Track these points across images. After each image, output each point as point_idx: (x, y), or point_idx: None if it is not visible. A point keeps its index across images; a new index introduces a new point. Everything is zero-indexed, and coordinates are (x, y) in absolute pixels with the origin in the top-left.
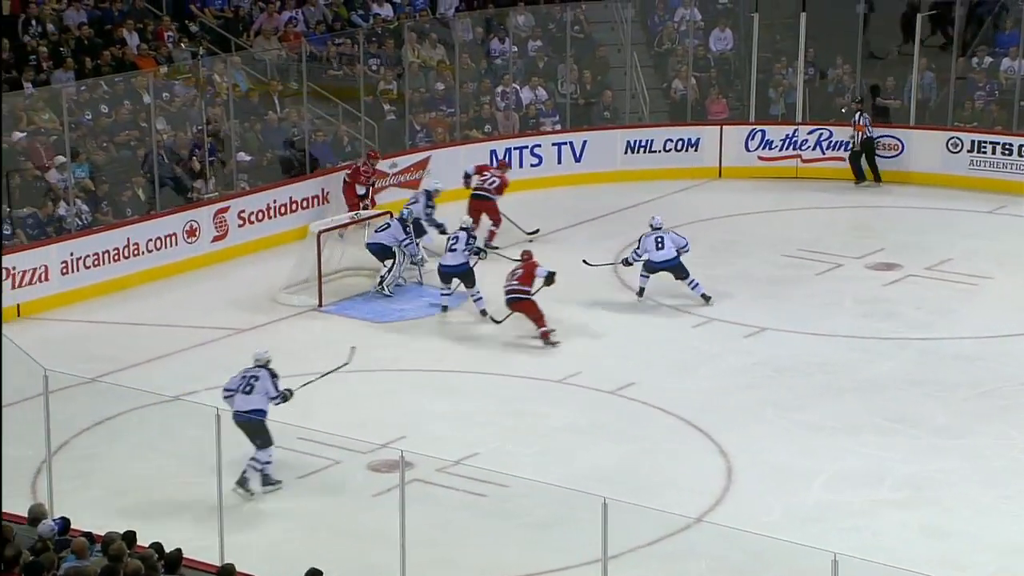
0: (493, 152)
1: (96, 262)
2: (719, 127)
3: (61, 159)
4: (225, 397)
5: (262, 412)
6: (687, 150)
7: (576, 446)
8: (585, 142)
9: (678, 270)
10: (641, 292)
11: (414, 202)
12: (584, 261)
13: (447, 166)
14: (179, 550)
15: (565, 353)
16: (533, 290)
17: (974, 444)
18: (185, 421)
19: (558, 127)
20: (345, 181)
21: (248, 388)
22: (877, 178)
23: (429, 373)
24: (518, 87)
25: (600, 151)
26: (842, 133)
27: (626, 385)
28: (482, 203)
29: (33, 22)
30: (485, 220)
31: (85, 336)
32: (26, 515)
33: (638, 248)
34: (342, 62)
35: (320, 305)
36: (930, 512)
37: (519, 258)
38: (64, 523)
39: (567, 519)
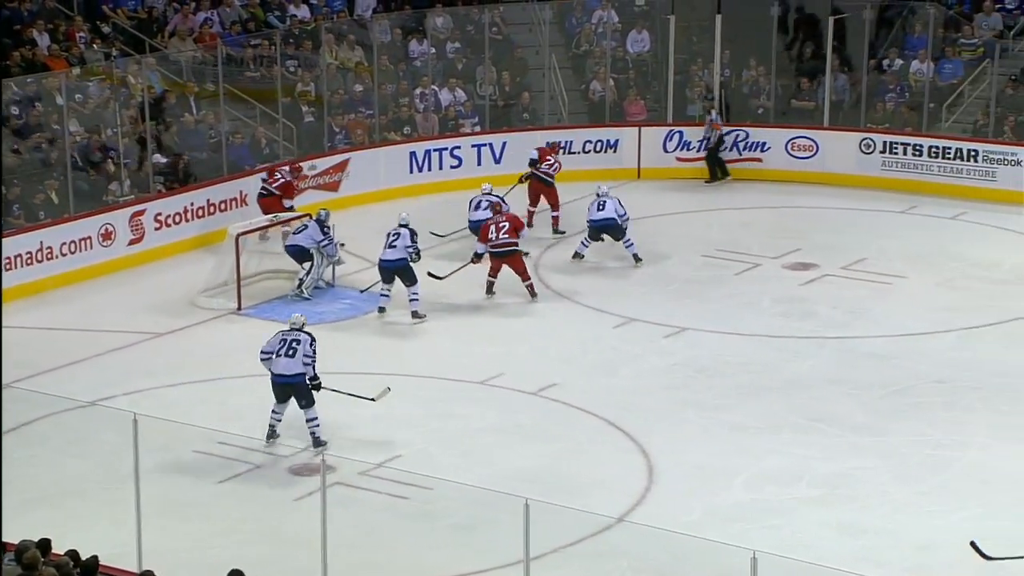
0: (412, 154)
1: (8, 266)
2: (637, 128)
3: None
4: (263, 360)
5: (302, 375)
6: (606, 151)
7: (499, 447)
8: (505, 143)
9: (615, 231)
10: (577, 256)
11: (303, 229)
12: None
13: (366, 168)
14: (95, 557)
15: (487, 354)
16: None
17: (891, 442)
18: (102, 426)
19: (477, 128)
20: (272, 193)
21: (291, 352)
22: (725, 172)
23: (350, 376)
24: (437, 89)
25: (520, 152)
26: (760, 135)
27: (548, 386)
28: (544, 187)
29: None
30: (543, 204)
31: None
32: None
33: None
34: (259, 64)
35: (239, 308)
36: (848, 509)
37: (496, 210)
38: None
39: (490, 520)
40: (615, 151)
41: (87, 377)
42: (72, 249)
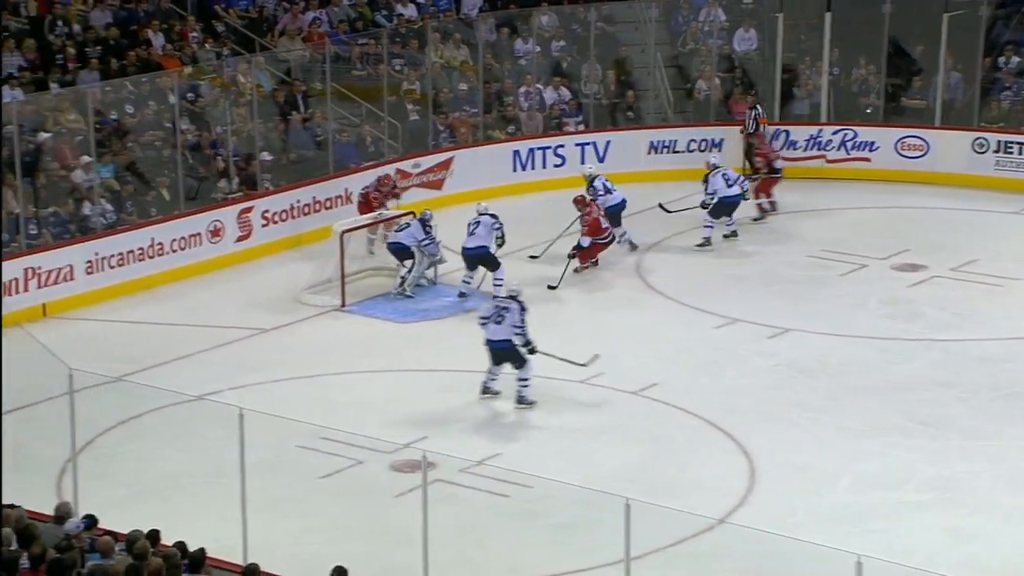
0: (516, 152)
1: (121, 262)
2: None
3: (86, 159)
4: (481, 324)
5: (509, 342)
6: (711, 150)
7: (599, 447)
8: (609, 142)
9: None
10: (707, 242)
11: (405, 227)
12: (660, 205)
13: (470, 166)
14: (202, 549)
15: (587, 353)
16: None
17: (1001, 446)
18: (208, 421)
19: (581, 127)
20: (360, 202)
21: (499, 319)
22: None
23: (452, 373)
24: (541, 87)
25: (624, 151)
26: (868, 134)
27: (649, 386)
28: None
29: (59, 22)
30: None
31: (109, 336)
32: (52, 513)
33: (707, 189)
34: (366, 62)
35: (343, 305)
36: (956, 514)
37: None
38: (90, 521)
39: (590, 520)
40: (720, 150)
41: (194, 372)
42: (182, 245)
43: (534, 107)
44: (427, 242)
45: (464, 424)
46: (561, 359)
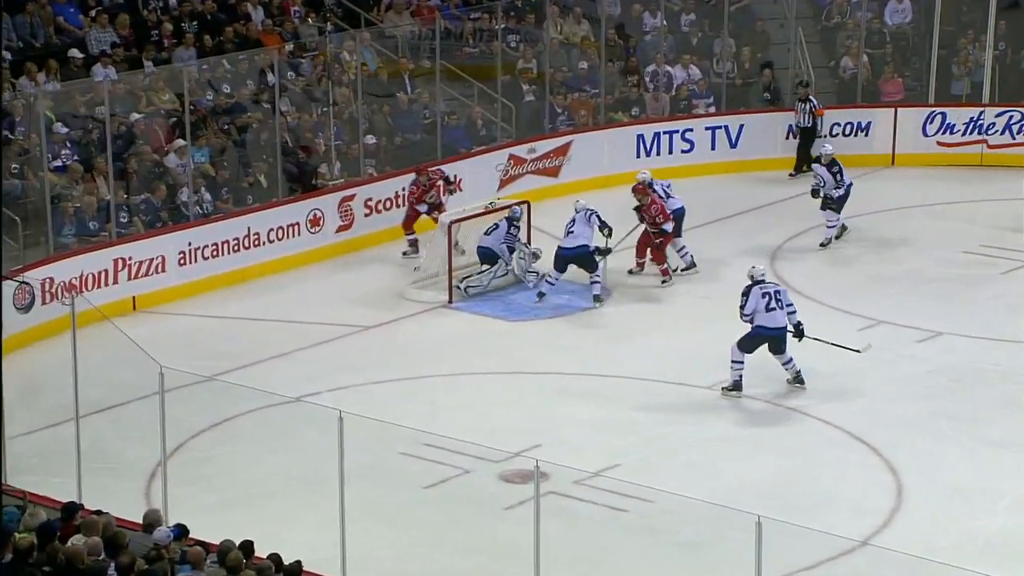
0: (640, 136)
1: (215, 252)
2: (893, 109)
3: (180, 142)
4: (745, 319)
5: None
6: (856, 135)
7: (728, 459)
8: (742, 126)
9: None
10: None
11: (494, 229)
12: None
13: (589, 152)
14: (299, 562)
15: (715, 357)
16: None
17: None
18: (306, 424)
19: (712, 109)
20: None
21: (779, 304)
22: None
23: (567, 376)
24: (669, 66)
25: (758, 136)
26: None
27: (784, 393)
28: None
29: None
30: None
31: (202, 331)
32: (140, 521)
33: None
34: (478, 39)
35: (450, 302)
36: None
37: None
38: (179, 531)
39: (717, 538)
40: (866, 135)
41: (291, 371)
42: (279, 236)
43: (660, 87)
44: (508, 242)
45: (580, 432)
46: (832, 344)
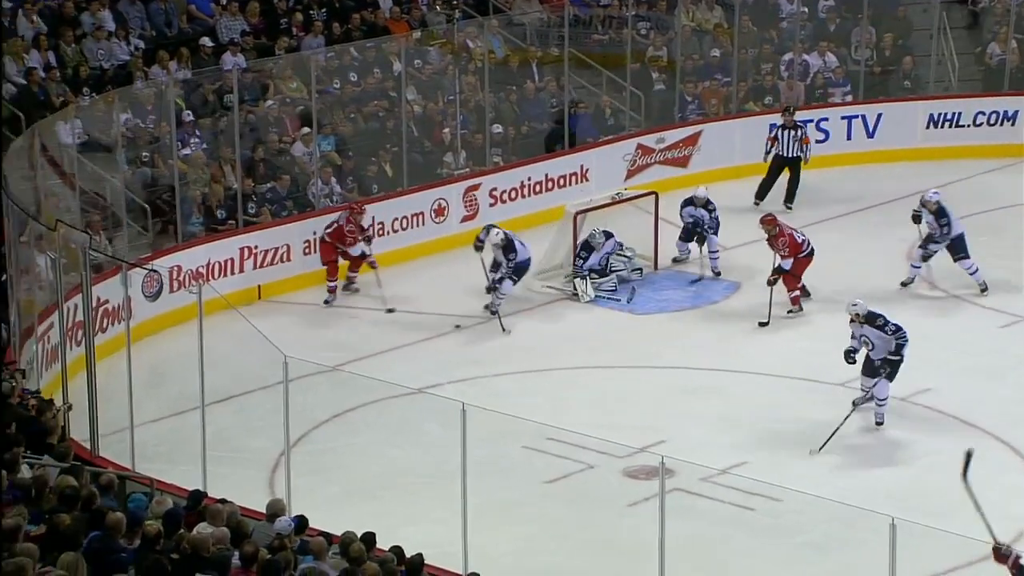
0: (772, 125)
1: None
2: None
3: (307, 130)
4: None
5: None
6: (1002, 124)
7: (860, 458)
8: (880, 115)
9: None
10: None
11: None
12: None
13: (719, 141)
14: (420, 555)
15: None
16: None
17: None
18: (429, 416)
19: (849, 98)
20: (323, 240)
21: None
22: (761, 196)
23: (693, 371)
24: (806, 53)
25: (898, 125)
26: None
27: (920, 391)
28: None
29: None
30: None
31: (326, 321)
32: (264, 510)
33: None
34: (608, 26)
35: (574, 293)
36: None
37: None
38: (301, 521)
39: (848, 540)
40: (1013, 124)
41: (413, 362)
42: (404, 225)
43: (795, 76)
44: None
45: (707, 428)
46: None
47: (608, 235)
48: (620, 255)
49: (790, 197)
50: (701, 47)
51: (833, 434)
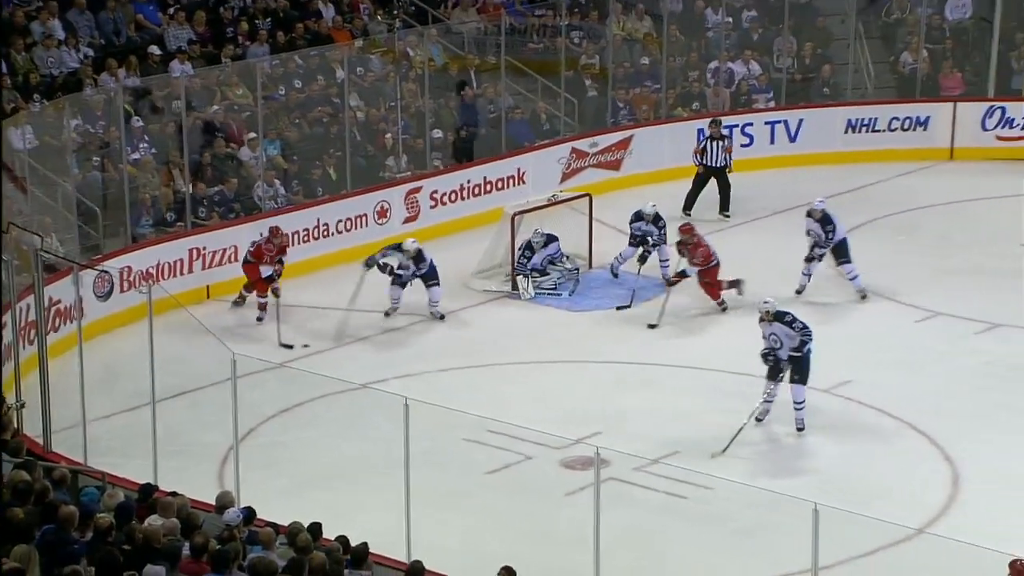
0: (700, 131)
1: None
2: (952, 104)
3: (252, 135)
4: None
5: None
6: (915, 129)
7: (785, 447)
8: (801, 120)
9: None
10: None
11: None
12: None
13: (650, 145)
14: (365, 544)
15: None
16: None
17: None
18: (373, 410)
19: (772, 104)
20: (247, 260)
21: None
22: (724, 207)
23: (627, 365)
24: (730, 62)
25: (818, 130)
26: None
27: (841, 383)
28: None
29: None
30: None
31: (274, 319)
32: (213, 503)
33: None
34: (543, 35)
35: (512, 291)
36: None
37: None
38: (249, 512)
39: (774, 526)
40: (925, 129)
41: (358, 359)
42: (348, 227)
43: (721, 83)
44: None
45: (639, 420)
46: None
47: (551, 238)
48: (559, 262)
49: (725, 206)
50: (631, 55)
51: (734, 438)
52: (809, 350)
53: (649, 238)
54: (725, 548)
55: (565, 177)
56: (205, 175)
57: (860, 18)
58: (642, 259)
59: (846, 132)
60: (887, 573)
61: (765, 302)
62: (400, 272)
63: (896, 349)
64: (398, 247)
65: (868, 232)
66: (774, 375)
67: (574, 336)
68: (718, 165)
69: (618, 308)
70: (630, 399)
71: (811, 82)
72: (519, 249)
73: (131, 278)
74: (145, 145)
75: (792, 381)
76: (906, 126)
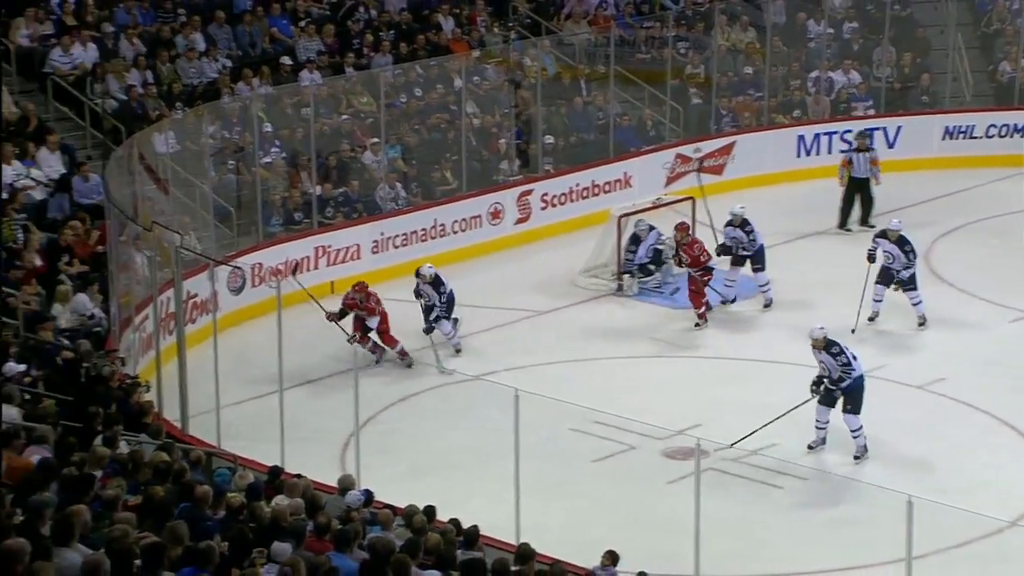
0: (801, 137)
1: (404, 242)
2: None
3: (375, 141)
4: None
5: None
6: (1012, 136)
7: (880, 442)
8: (900, 127)
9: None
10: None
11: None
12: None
13: (752, 151)
14: (476, 527)
15: (872, 345)
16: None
17: None
18: (485, 400)
19: (871, 112)
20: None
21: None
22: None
23: (727, 361)
24: (831, 71)
25: (916, 137)
26: None
27: (935, 380)
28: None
29: (360, 8)
30: None
31: (393, 313)
32: (335, 485)
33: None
34: (650, 46)
35: (619, 289)
36: None
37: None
38: (368, 495)
39: (869, 516)
40: (1022, 136)
41: (471, 352)
42: (463, 227)
43: (822, 91)
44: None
45: (738, 413)
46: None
47: (651, 227)
48: (662, 244)
49: (866, 217)
50: (735, 65)
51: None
52: (861, 380)
53: (738, 245)
54: (820, 537)
55: (669, 181)
56: (331, 177)
57: (959, 29)
58: (738, 263)
59: (943, 139)
60: (979, 564)
61: (819, 328)
62: (432, 305)
63: (990, 348)
64: (417, 272)
65: (963, 235)
66: (828, 403)
67: (675, 332)
68: (863, 176)
69: (722, 303)
70: (730, 393)
71: (910, 91)
72: (625, 244)
73: (262, 274)
74: (276, 149)
75: (845, 411)
76: (1003, 133)
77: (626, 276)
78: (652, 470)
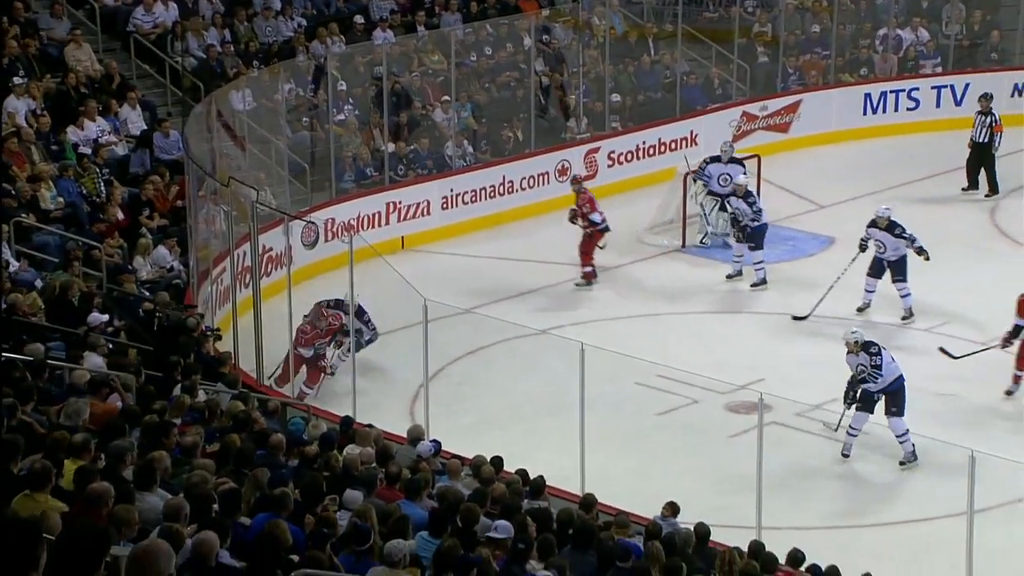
0: (867, 95)
1: (473, 198)
2: None
3: (445, 99)
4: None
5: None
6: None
7: (940, 396)
8: (968, 85)
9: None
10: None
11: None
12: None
13: (818, 109)
14: (542, 477)
15: (935, 301)
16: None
17: None
18: (551, 354)
19: (939, 69)
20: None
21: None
22: (992, 187)
23: (788, 316)
24: (899, 29)
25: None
26: None
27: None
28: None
29: None
30: None
31: (462, 268)
32: (406, 436)
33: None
34: (718, 4)
35: (683, 246)
36: None
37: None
38: (437, 445)
39: (932, 470)
40: None
41: (537, 306)
42: (531, 184)
43: (889, 49)
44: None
45: (801, 368)
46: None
47: (739, 163)
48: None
49: (991, 184)
50: (803, 23)
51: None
52: (869, 388)
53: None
54: (883, 491)
55: (736, 139)
56: (402, 135)
57: None
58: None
59: (1012, 96)
60: None
61: (852, 332)
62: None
63: None
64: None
65: None
66: (867, 407)
67: (739, 288)
68: (983, 141)
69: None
70: (791, 348)
71: (979, 48)
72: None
73: (334, 229)
74: (349, 107)
75: (888, 413)
76: None
77: (699, 185)
78: (715, 424)
